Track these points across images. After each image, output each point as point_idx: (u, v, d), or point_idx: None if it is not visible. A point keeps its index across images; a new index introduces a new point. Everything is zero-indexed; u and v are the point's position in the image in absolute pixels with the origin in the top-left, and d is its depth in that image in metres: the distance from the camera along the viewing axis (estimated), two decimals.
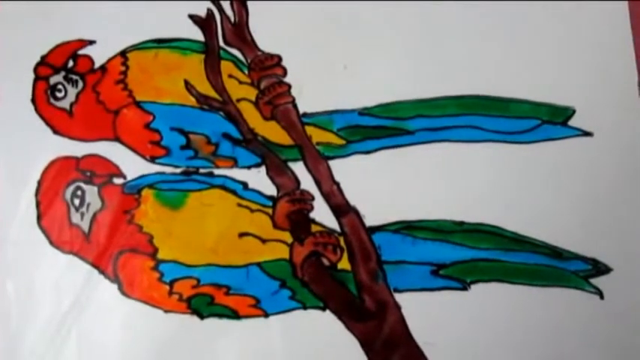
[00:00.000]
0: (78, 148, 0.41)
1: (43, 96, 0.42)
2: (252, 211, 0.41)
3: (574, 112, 0.41)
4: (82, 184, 0.41)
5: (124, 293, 0.40)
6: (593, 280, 0.40)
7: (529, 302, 0.39)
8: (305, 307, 0.40)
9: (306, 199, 0.41)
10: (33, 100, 0.42)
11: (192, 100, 0.42)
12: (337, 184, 0.41)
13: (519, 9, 0.42)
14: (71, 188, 0.41)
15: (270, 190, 0.41)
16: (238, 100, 0.42)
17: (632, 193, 0.40)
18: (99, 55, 0.42)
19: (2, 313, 0.40)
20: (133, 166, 0.41)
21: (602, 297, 0.40)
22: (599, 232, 0.40)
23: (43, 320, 0.40)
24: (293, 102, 0.42)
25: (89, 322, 0.40)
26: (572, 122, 0.41)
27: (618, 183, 0.41)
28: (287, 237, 0.40)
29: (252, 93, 0.42)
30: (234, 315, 0.40)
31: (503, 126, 0.41)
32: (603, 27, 0.42)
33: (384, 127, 0.41)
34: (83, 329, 0.40)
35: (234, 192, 0.41)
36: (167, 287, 0.40)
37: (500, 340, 0.39)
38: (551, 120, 0.41)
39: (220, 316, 0.40)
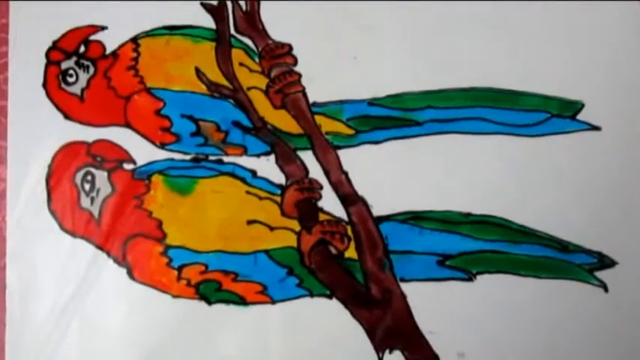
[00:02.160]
0: (89, 134, 0.42)
1: (54, 81, 0.42)
2: (260, 198, 0.41)
3: (583, 106, 0.41)
4: (92, 169, 0.41)
5: (132, 277, 0.40)
6: (598, 274, 0.40)
7: (534, 294, 0.40)
8: (312, 295, 0.40)
9: (314, 187, 0.41)
10: (44, 85, 0.42)
11: (202, 88, 0.42)
12: (346, 174, 0.41)
13: (530, 2, 0.42)
14: (81, 173, 0.41)
15: (279, 178, 0.41)
16: (249, 89, 0.42)
17: (638, 187, 0.40)
18: (110, 40, 0.43)
19: (9, 295, 0.40)
20: (143, 152, 0.41)
21: (606, 290, 0.40)
22: (605, 225, 0.40)
23: (49, 303, 0.40)
24: (303, 91, 0.42)
25: (96, 304, 0.40)
26: (580, 116, 0.41)
27: (625, 177, 0.41)
28: (295, 225, 0.41)
29: (262, 81, 0.42)
30: (242, 301, 0.40)
31: (512, 119, 0.41)
32: (614, 22, 0.42)
33: (393, 117, 0.42)
34: (90, 312, 0.40)
35: (243, 179, 0.41)
36: (175, 272, 0.40)
37: (504, 331, 0.40)
38: (560, 113, 0.42)
39: (228, 302, 0.40)
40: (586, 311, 0.40)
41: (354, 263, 0.41)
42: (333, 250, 0.41)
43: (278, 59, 0.42)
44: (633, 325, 0.39)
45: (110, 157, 0.41)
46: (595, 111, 0.41)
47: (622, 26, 0.42)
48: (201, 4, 0.43)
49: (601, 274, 0.40)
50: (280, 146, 0.41)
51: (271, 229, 0.41)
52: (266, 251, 0.41)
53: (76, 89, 0.42)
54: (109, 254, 0.41)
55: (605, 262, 0.40)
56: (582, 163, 0.41)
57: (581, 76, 0.42)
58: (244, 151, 0.42)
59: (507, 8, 0.42)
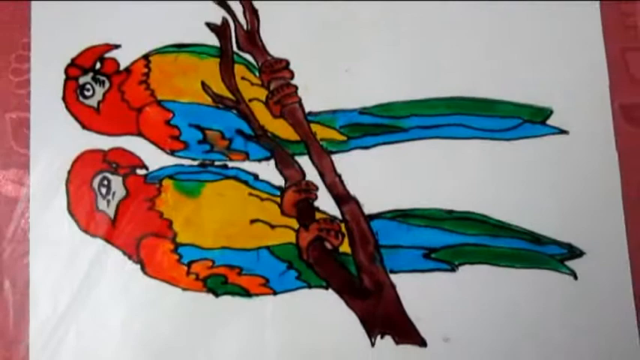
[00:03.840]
0: (104, 142, 0.43)
1: (72, 95, 0.43)
2: (262, 199, 0.42)
3: (552, 112, 0.43)
4: (108, 175, 0.42)
5: (145, 273, 0.41)
6: (568, 263, 0.41)
7: (511, 282, 0.41)
8: (310, 287, 0.41)
9: (311, 189, 0.42)
10: (64, 99, 0.43)
11: (208, 100, 0.43)
12: (339, 176, 0.42)
13: (504, 21, 0.44)
14: (98, 178, 0.42)
15: (279, 181, 0.43)
16: (250, 100, 0.43)
17: (603, 185, 0.42)
18: (124, 58, 0.43)
19: (32, 291, 0.41)
20: (154, 158, 0.42)
21: (575, 278, 0.41)
22: (574, 219, 0.42)
23: (68, 297, 0.41)
24: (299, 102, 0.43)
25: (112, 298, 0.41)
26: (550, 121, 0.43)
27: (591, 176, 0.42)
28: (294, 223, 0.42)
29: (262, 93, 0.43)
30: (246, 293, 0.41)
31: (489, 124, 0.43)
32: (578, 37, 0.44)
33: (381, 125, 0.43)
34: (105, 305, 0.41)
35: (246, 182, 0.42)
36: (185, 268, 0.41)
37: (485, 317, 0.41)
38: (531, 119, 0.43)
39: (233, 294, 0.41)
40: (558, 297, 0.41)
41: (347, 257, 0.42)
42: (329, 246, 0.42)
43: (276, 73, 0.43)
44: (600, 308, 0.41)
45: (124, 164, 0.42)
46: (563, 117, 0.43)
47: (586, 41, 0.44)
48: (207, 24, 0.44)
49: (571, 264, 0.41)
50: (279, 152, 0.43)
51: (272, 227, 0.42)
52: (267, 247, 0.42)
53: (92, 102, 0.43)
54: (123, 252, 0.41)
55: (574, 252, 0.41)
56: (552, 164, 0.42)
57: (550, 85, 0.43)
58: (247, 156, 0.43)
59: (484, 26, 0.44)
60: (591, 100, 0.43)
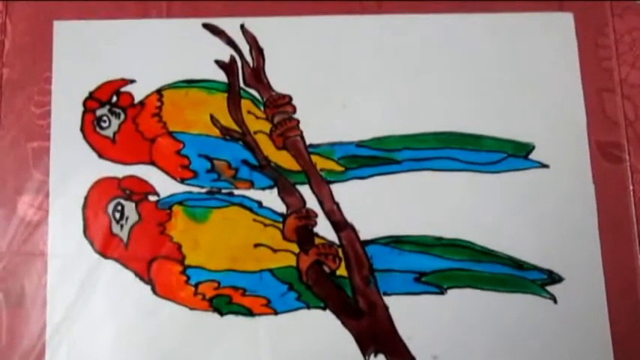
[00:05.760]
0: (119, 170, 0.44)
1: (90, 126, 0.45)
2: (265, 225, 0.44)
3: (534, 147, 0.45)
4: (122, 201, 0.44)
5: (155, 293, 0.43)
6: (548, 288, 0.43)
7: (495, 305, 0.43)
8: (309, 307, 0.43)
9: (310, 216, 0.44)
10: (82, 129, 0.45)
11: (216, 132, 0.45)
12: (337, 204, 0.44)
13: (493, 65, 0.46)
14: (113, 204, 0.44)
15: (281, 208, 0.44)
16: (255, 132, 0.45)
17: (581, 215, 0.44)
18: (138, 92, 0.45)
19: (49, 309, 0.42)
20: (165, 186, 0.44)
21: (555, 302, 0.43)
22: (554, 247, 0.44)
23: (81, 314, 0.43)
24: (301, 135, 0.45)
25: (125, 316, 0.43)
26: (532, 156, 0.45)
27: (569, 206, 0.44)
28: (294, 248, 0.44)
29: (267, 126, 0.45)
30: (249, 313, 0.43)
31: (476, 158, 0.45)
32: (559, 80, 0.46)
33: (376, 157, 0.45)
34: (120, 322, 0.43)
35: (250, 209, 0.44)
36: (193, 288, 0.43)
37: (471, 337, 0.43)
38: (515, 154, 0.45)
39: (237, 313, 0.43)
40: (538, 319, 0.43)
41: (344, 280, 0.43)
42: (327, 269, 0.43)
43: (280, 108, 0.45)
44: (578, 329, 0.43)
45: (137, 190, 0.44)
46: (544, 152, 0.45)
47: (564, 82, 0.46)
48: (216, 61, 0.46)
49: (551, 288, 0.43)
50: (282, 181, 0.44)
51: (274, 251, 0.44)
52: (270, 270, 0.43)
53: (108, 133, 0.45)
54: (136, 273, 0.43)
55: (554, 278, 0.43)
56: (534, 195, 0.44)
57: (532, 122, 0.45)
58: (251, 185, 0.44)
59: (472, 69, 0.46)
60: (570, 136, 0.46)
